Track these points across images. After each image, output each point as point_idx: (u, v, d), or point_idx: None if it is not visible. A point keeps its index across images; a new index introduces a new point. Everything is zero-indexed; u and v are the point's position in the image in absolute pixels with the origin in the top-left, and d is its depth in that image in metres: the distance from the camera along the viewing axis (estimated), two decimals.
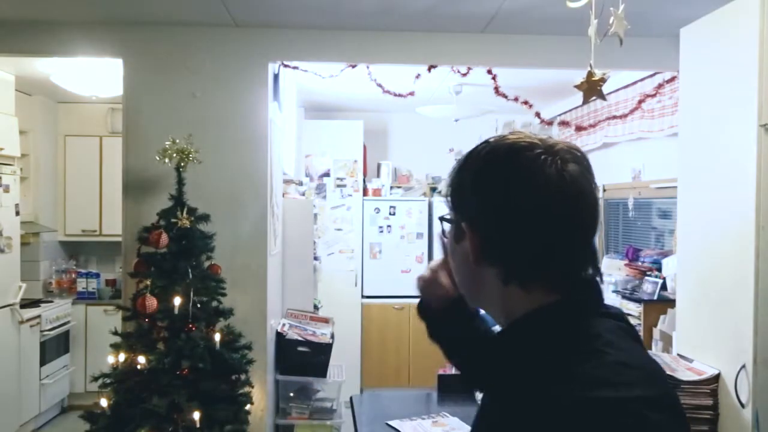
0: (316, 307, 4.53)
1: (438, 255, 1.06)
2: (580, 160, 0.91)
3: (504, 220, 0.88)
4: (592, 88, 2.06)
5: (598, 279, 0.93)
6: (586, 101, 2.16)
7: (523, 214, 0.87)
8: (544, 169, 0.86)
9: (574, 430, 0.75)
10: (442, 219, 0.99)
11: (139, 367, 2.88)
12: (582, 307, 0.90)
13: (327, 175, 6.17)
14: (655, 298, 3.67)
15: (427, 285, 1.27)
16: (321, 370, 3.90)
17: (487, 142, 0.94)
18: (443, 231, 0.99)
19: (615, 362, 0.81)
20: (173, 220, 3.04)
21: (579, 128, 5.53)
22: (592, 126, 5.27)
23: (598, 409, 0.76)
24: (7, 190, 4.61)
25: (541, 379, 0.81)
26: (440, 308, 1.27)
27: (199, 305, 3.05)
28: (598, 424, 0.75)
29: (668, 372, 2.64)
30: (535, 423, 0.78)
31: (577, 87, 2.09)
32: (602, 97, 2.08)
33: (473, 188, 0.91)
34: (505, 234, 0.88)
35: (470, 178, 0.92)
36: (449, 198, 0.97)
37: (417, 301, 1.33)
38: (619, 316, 0.93)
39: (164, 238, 2.99)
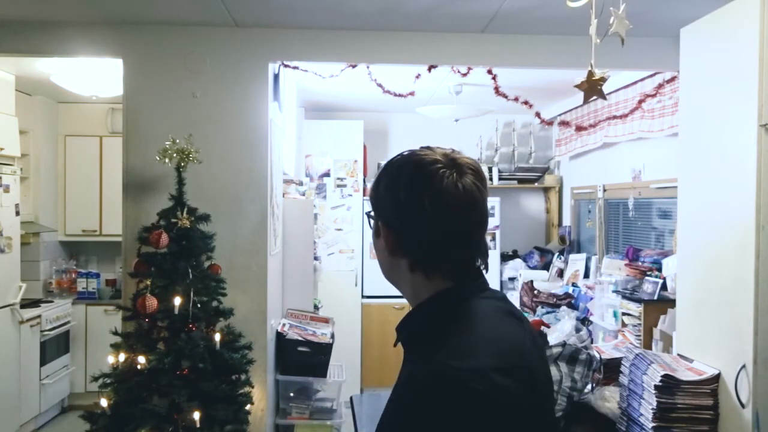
0: (316, 307, 4.53)
1: None
2: (476, 173, 1.11)
3: (409, 220, 1.09)
4: (592, 88, 2.06)
5: (483, 269, 1.14)
6: (586, 101, 2.16)
7: (425, 216, 1.07)
8: (443, 180, 1.06)
9: (438, 391, 0.94)
10: (368, 215, 1.19)
11: (139, 367, 2.88)
12: (467, 291, 1.10)
13: (327, 175, 6.17)
14: (655, 298, 3.67)
15: None
16: (321, 370, 3.90)
17: (401, 154, 1.14)
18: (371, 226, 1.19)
19: (479, 336, 1.02)
20: (173, 220, 3.04)
21: (579, 128, 5.54)
22: (592, 126, 5.27)
23: (455, 373, 0.95)
24: (7, 190, 4.61)
25: (427, 349, 1.01)
26: None
27: (199, 305, 3.05)
28: (454, 385, 0.94)
29: (668, 372, 2.64)
30: (416, 383, 0.98)
31: (578, 87, 2.09)
32: (603, 96, 2.08)
33: (386, 192, 1.12)
34: (411, 231, 1.09)
35: (384, 184, 1.13)
36: (371, 200, 1.18)
37: None
38: (503, 298, 1.16)
39: (164, 238, 2.99)
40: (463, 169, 1.09)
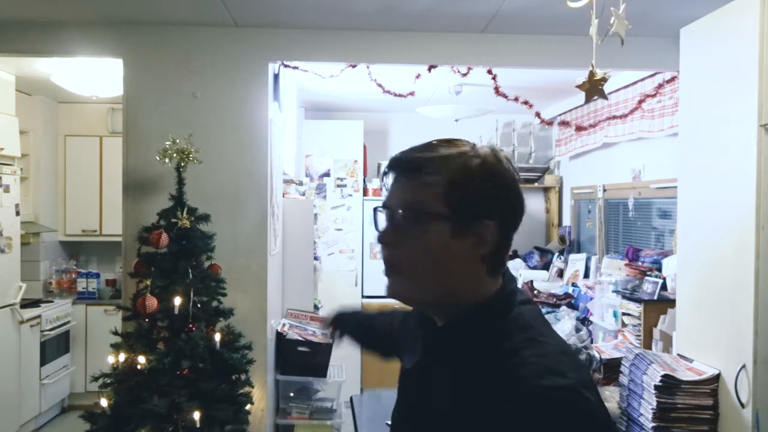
0: (316, 307, 4.53)
1: None
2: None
3: (508, 212, 1.06)
4: (593, 88, 2.07)
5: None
6: (588, 101, 2.16)
7: (517, 207, 1.07)
8: (513, 174, 1.06)
9: (538, 416, 0.89)
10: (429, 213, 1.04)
11: (139, 367, 2.88)
12: (515, 296, 1.07)
13: (327, 175, 6.17)
14: (655, 298, 3.67)
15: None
16: (321, 370, 3.90)
17: (465, 154, 1.06)
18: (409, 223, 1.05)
19: (550, 349, 0.97)
20: (173, 220, 3.04)
21: (579, 128, 5.53)
22: (592, 126, 5.27)
23: (554, 393, 0.90)
24: (7, 190, 4.61)
25: (490, 360, 0.97)
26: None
27: (199, 305, 3.05)
28: (556, 409, 0.89)
29: (668, 372, 2.64)
30: (515, 407, 0.91)
31: (579, 87, 2.09)
32: (604, 96, 2.09)
33: (483, 183, 1.04)
34: (507, 224, 1.06)
35: (477, 183, 1.04)
36: (455, 200, 1.04)
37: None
38: (532, 300, 1.12)
39: (164, 238, 2.99)
40: (511, 163, 1.10)
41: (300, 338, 3.91)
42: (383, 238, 1.07)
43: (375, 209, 1.09)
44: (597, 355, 3.21)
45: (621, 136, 4.76)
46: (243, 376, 3.16)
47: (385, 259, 1.07)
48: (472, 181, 1.03)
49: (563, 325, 3.93)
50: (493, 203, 1.04)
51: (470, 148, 1.07)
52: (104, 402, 2.95)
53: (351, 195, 6.17)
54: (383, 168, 1.12)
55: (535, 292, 5.21)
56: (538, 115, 5.32)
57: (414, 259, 1.03)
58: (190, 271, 3.03)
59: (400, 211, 1.04)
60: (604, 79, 2.05)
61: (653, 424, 2.61)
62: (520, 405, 0.90)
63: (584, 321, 4.50)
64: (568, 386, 0.91)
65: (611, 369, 3.12)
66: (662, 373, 2.63)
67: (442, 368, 1.05)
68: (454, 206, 1.02)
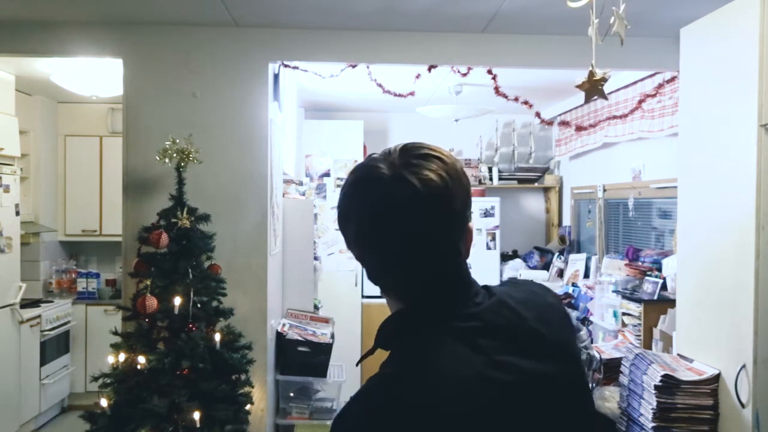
0: (316, 307, 4.53)
1: None
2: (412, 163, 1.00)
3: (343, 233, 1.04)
4: (593, 88, 2.07)
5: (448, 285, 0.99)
6: (587, 101, 2.16)
7: (350, 231, 1.01)
8: (366, 187, 1.00)
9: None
10: None
11: (139, 367, 2.88)
12: (417, 317, 0.99)
13: (327, 175, 6.17)
14: (655, 298, 3.67)
15: None
16: (321, 370, 3.91)
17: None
18: None
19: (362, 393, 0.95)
20: (173, 220, 3.04)
21: (579, 128, 5.54)
22: (592, 126, 5.27)
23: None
24: (7, 190, 4.61)
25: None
26: None
27: (199, 305, 3.05)
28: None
29: (668, 372, 2.64)
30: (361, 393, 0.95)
31: (579, 87, 2.09)
32: (604, 96, 2.08)
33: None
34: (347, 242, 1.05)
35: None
36: None
37: None
38: (471, 324, 0.96)
39: (164, 238, 2.99)
40: (408, 164, 0.95)
41: (300, 338, 3.92)
42: None
43: None
44: (597, 355, 3.21)
45: (621, 136, 4.76)
46: (243, 376, 3.16)
47: None
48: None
49: None
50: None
51: (363, 161, 1.03)
52: (104, 402, 2.95)
53: None
54: None
55: None
56: (538, 115, 5.33)
57: None
58: (190, 271, 3.03)
59: None
60: (603, 79, 2.05)
61: (653, 424, 2.61)
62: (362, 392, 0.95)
63: (584, 321, 4.50)
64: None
65: (611, 369, 3.12)
66: (662, 373, 2.63)
67: None
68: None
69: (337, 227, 1.04)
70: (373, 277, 1.03)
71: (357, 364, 1.19)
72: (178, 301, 2.94)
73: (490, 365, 0.93)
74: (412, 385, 0.90)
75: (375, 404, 0.91)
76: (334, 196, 6.14)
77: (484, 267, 5.79)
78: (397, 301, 1.03)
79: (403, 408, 0.88)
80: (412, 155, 0.96)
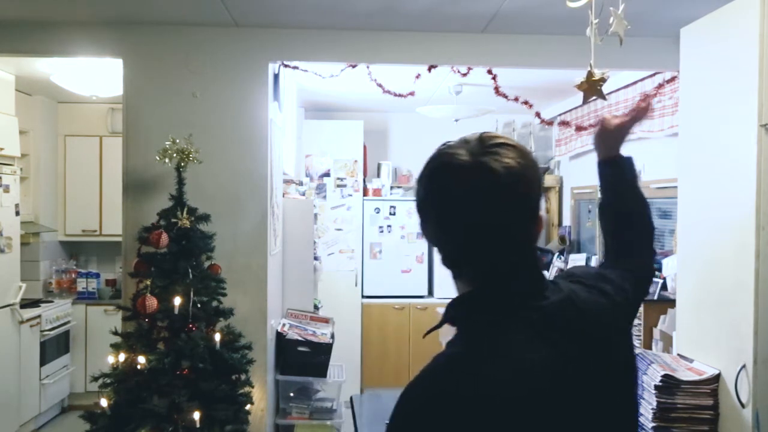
0: (316, 307, 4.53)
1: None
2: (508, 150, 1.03)
3: (426, 218, 1.06)
4: (592, 88, 2.06)
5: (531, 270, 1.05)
6: (585, 101, 2.16)
7: (435, 214, 1.03)
8: (455, 173, 1.02)
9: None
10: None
11: (139, 367, 2.88)
12: (488, 301, 1.01)
13: (327, 175, 6.17)
14: (655, 298, 3.67)
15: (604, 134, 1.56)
16: (321, 370, 3.90)
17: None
18: None
19: (434, 366, 0.98)
20: (173, 220, 3.04)
21: (579, 128, 5.54)
22: (592, 126, 5.27)
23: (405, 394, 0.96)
24: (7, 190, 4.61)
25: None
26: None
27: (199, 305, 3.05)
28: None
29: (668, 372, 2.64)
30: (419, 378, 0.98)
31: (578, 87, 2.09)
32: (602, 96, 2.08)
33: (417, 185, 1.07)
34: (429, 228, 1.07)
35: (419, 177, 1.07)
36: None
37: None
38: (547, 307, 1.01)
39: (164, 238, 2.99)
40: (487, 152, 0.98)
41: (300, 338, 3.91)
42: None
43: None
44: None
45: None
46: (243, 376, 3.16)
47: None
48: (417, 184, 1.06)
49: None
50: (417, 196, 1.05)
51: (440, 149, 1.05)
52: (104, 402, 2.95)
53: (351, 195, 6.17)
54: None
55: None
56: (538, 115, 5.32)
57: None
58: (190, 271, 3.03)
59: None
60: (602, 80, 2.05)
61: (653, 424, 2.61)
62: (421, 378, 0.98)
63: None
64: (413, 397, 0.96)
65: None
66: (662, 373, 2.63)
67: None
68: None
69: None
70: (448, 261, 1.05)
71: (424, 336, 1.26)
72: (178, 301, 2.94)
73: (553, 356, 0.98)
74: (478, 365, 0.95)
75: (439, 380, 0.95)
76: (334, 196, 6.15)
77: None
78: (468, 285, 1.05)
79: (467, 386, 0.92)
80: (490, 144, 0.99)
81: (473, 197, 0.97)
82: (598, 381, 1.03)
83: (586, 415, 1.01)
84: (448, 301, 1.06)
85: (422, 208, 1.03)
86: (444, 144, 1.04)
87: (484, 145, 0.99)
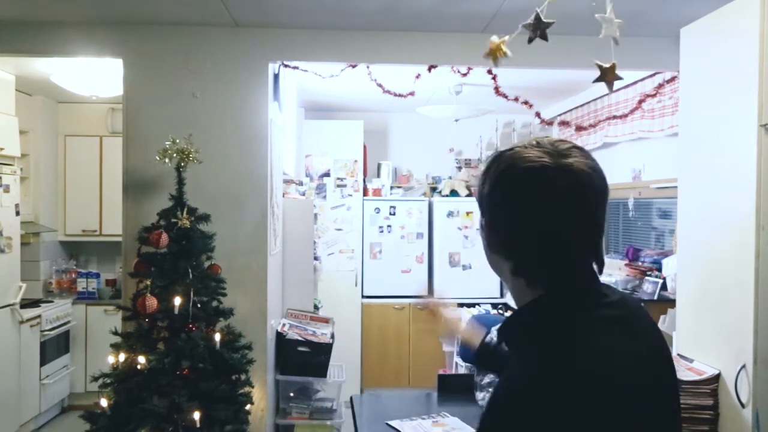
0: (316, 307, 4.53)
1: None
2: (583, 158, 1.05)
3: (505, 223, 1.04)
4: (609, 76, 2.11)
5: (592, 274, 1.05)
6: (611, 87, 2.20)
7: (518, 219, 1.01)
8: (539, 178, 1.01)
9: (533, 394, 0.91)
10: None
11: (139, 367, 2.88)
12: (568, 299, 1.01)
13: (327, 175, 6.17)
14: (655, 298, 3.67)
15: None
16: (321, 370, 3.90)
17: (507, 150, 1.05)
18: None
19: (572, 346, 0.95)
20: (173, 220, 3.04)
21: (579, 128, 5.53)
22: (592, 126, 5.27)
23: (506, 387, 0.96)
24: (7, 190, 4.61)
25: (524, 355, 0.99)
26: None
27: (199, 305, 3.05)
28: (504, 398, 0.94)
29: None
30: (511, 385, 0.96)
31: (598, 80, 2.13)
32: (618, 77, 2.13)
33: (489, 189, 1.04)
34: (508, 236, 1.05)
35: (486, 179, 1.05)
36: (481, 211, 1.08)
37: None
38: (621, 306, 1.04)
39: (164, 238, 2.99)
40: (566, 160, 0.99)
41: (300, 338, 3.91)
42: None
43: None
44: None
45: (621, 136, 4.76)
46: (243, 376, 3.16)
47: None
48: (481, 185, 1.04)
49: None
50: (487, 199, 1.04)
51: (511, 152, 1.03)
52: (104, 402, 2.96)
53: (351, 195, 6.17)
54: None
55: None
56: (538, 115, 5.32)
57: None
58: (190, 271, 3.03)
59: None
60: (614, 66, 2.10)
61: None
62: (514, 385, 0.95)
63: None
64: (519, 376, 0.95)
65: None
66: None
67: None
68: (482, 217, 1.05)
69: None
70: (524, 264, 1.03)
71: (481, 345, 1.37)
72: (178, 301, 2.94)
73: (638, 347, 1.02)
74: (579, 365, 0.93)
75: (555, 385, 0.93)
76: (334, 196, 6.15)
77: (485, 266, 5.79)
78: (533, 290, 1.03)
79: (580, 384, 0.92)
80: (563, 146, 1.01)
81: (562, 198, 0.97)
82: (666, 375, 1.07)
83: (665, 408, 1.04)
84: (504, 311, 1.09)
85: (491, 210, 1.03)
86: (506, 149, 1.04)
87: (559, 148, 1.00)
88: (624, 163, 4.90)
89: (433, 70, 4.04)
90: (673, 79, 3.94)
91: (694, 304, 2.83)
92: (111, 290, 5.75)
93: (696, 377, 2.64)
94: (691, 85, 2.90)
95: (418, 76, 4.27)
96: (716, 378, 2.61)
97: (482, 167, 1.07)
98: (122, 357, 2.96)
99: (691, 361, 2.80)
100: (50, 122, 5.67)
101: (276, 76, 3.83)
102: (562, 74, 4.26)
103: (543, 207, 0.98)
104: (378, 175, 6.42)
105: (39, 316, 5.00)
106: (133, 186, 3.54)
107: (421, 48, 3.63)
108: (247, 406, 3.18)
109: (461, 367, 4.13)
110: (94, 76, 4.35)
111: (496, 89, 4.58)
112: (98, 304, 5.61)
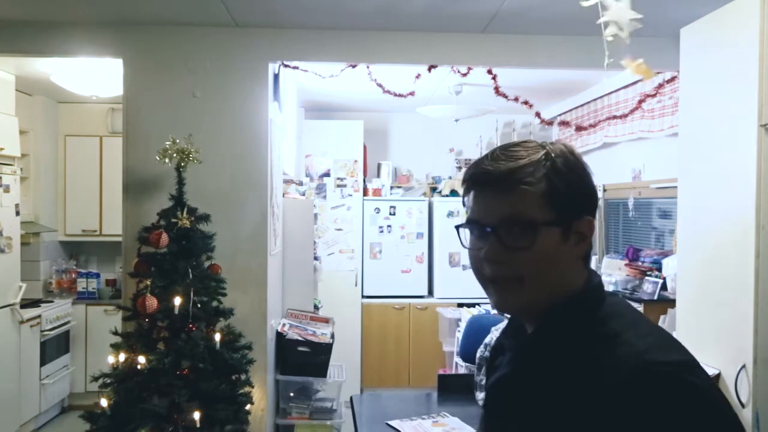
0: (316, 307, 4.53)
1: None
2: None
3: (593, 204, 1.10)
4: (640, 68, 2.15)
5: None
6: (649, 76, 2.23)
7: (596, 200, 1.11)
8: (585, 164, 1.09)
9: (644, 390, 0.89)
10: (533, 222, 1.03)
11: (139, 367, 2.88)
12: (602, 286, 1.09)
13: (327, 175, 6.17)
14: (655, 298, 3.67)
15: None
16: (321, 370, 3.90)
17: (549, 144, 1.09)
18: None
19: (655, 333, 0.99)
20: (173, 220, 3.04)
21: (579, 128, 5.53)
22: (592, 126, 5.27)
23: (661, 369, 0.90)
24: (7, 190, 4.61)
25: (605, 345, 0.97)
26: None
27: (199, 305, 3.05)
28: (662, 383, 0.89)
29: None
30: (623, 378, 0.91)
31: (637, 73, 2.17)
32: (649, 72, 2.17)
33: (578, 182, 1.07)
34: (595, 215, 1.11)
35: (571, 182, 1.06)
36: (557, 203, 1.04)
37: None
38: (615, 293, 1.13)
39: (164, 238, 2.99)
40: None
41: (300, 338, 3.91)
42: (493, 257, 1.03)
43: (458, 227, 1.08)
44: None
45: (621, 136, 4.76)
46: (243, 376, 3.16)
47: (495, 276, 1.04)
48: (566, 181, 1.05)
49: None
50: (587, 198, 1.08)
51: (545, 148, 1.06)
52: (104, 402, 2.95)
53: (351, 195, 6.17)
54: (461, 185, 1.11)
55: None
56: (538, 115, 5.32)
57: (531, 271, 1.02)
58: (190, 271, 3.03)
59: (506, 226, 1.02)
60: (641, 62, 2.14)
61: None
62: (625, 380, 0.90)
63: None
64: (674, 362, 0.92)
65: None
66: None
67: (542, 370, 1.04)
68: (558, 210, 1.03)
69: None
70: (589, 234, 1.09)
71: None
72: (178, 301, 2.94)
73: None
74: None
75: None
76: (334, 196, 6.15)
77: None
78: (587, 269, 1.10)
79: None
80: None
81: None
82: None
83: None
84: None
85: (591, 198, 1.09)
86: (555, 143, 1.09)
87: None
88: (624, 163, 4.90)
89: (433, 70, 4.04)
90: (673, 79, 3.94)
91: (694, 304, 2.83)
92: (111, 290, 5.75)
93: None
94: (691, 85, 2.90)
95: (418, 76, 4.28)
96: (716, 378, 2.61)
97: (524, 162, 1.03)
98: (122, 357, 2.96)
99: None
100: (50, 122, 5.67)
101: (276, 76, 3.83)
102: (562, 74, 4.26)
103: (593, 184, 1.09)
104: (378, 175, 6.42)
105: (39, 316, 5.00)
106: (133, 186, 3.54)
107: (421, 48, 3.62)
108: (247, 406, 3.17)
109: (461, 367, 4.13)
110: (94, 76, 4.35)
111: (496, 89, 4.58)
112: (98, 304, 5.61)
